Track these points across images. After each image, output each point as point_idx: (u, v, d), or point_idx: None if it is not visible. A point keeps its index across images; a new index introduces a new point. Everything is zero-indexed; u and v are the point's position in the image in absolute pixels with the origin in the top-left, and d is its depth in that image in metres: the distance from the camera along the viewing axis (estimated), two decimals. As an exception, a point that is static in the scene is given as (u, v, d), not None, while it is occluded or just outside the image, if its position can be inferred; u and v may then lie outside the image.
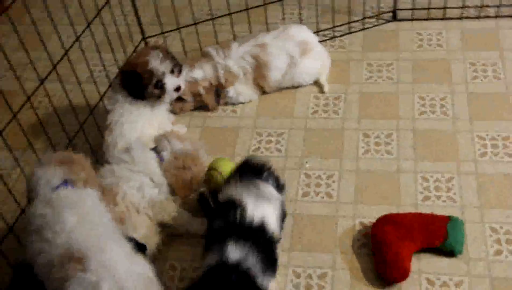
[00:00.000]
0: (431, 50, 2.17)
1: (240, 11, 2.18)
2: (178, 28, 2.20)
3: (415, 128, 1.90)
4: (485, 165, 1.76)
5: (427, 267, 1.54)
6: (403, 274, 1.50)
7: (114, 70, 2.08)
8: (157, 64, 1.82)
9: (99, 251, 1.26)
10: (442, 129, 1.88)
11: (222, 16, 2.22)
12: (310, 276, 1.57)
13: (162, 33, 2.23)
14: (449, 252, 1.55)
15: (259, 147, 1.94)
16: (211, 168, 1.75)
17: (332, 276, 1.56)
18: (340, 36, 2.29)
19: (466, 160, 1.78)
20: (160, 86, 1.84)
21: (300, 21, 2.23)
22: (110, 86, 2.00)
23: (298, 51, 2.02)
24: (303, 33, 2.07)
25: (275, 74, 2.03)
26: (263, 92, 2.09)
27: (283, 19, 2.38)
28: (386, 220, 1.60)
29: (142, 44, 2.28)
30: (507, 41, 2.15)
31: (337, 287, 1.54)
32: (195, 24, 2.18)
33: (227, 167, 1.74)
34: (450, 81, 2.03)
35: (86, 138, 1.93)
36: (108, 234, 1.35)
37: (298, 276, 1.58)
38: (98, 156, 1.89)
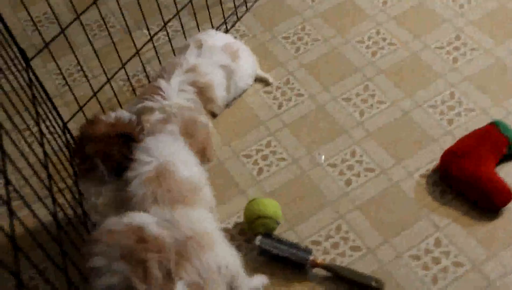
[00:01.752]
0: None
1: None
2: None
3: (380, 69, 1.84)
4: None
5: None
6: (509, 192, 1.46)
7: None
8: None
9: None
10: (404, 58, 1.86)
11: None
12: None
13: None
14: (515, 153, 1.57)
15: (261, 169, 1.66)
16: (260, 217, 1.46)
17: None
18: (232, 26, 2.06)
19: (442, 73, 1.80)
20: None
21: (182, 28, 1.94)
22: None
23: (228, 58, 1.75)
24: (218, 37, 1.80)
25: (220, 91, 1.74)
26: (213, 116, 1.78)
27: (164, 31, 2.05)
28: (453, 158, 1.53)
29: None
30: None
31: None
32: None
33: (272, 207, 1.47)
34: (367, 16, 2.01)
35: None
36: None
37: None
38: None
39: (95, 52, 1.63)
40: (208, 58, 1.72)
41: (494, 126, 1.57)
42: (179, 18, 1.87)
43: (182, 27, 1.92)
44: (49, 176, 1.18)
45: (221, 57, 1.74)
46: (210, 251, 1.26)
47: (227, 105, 1.82)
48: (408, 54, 1.86)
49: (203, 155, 1.57)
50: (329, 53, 1.92)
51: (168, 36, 1.84)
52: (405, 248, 1.46)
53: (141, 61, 1.79)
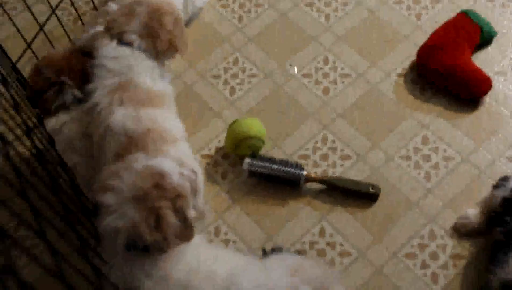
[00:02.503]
0: None
1: None
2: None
3: (335, 33, 1.75)
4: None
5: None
6: (488, 80, 1.46)
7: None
8: None
9: None
10: (360, 19, 1.77)
11: None
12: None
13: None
14: (488, 40, 1.55)
15: (233, 88, 1.57)
16: (245, 138, 1.38)
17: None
18: None
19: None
20: None
21: None
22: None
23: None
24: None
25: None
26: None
27: None
28: (429, 51, 1.50)
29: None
30: None
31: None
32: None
33: (255, 126, 1.40)
34: None
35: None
36: None
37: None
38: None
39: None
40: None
41: (465, 15, 1.55)
42: None
43: None
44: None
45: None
46: (172, 145, 1.17)
47: (186, 25, 1.67)
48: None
49: (171, 48, 1.37)
50: (276, 20, 1.79)
51: (107, -47, 1.65)
52: (394, 150, 1.44)
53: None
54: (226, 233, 1.36)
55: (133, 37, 1.30)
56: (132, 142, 1.15)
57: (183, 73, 1.60)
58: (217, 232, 1.36)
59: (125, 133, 1.16)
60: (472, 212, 1.30)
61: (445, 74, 1.47)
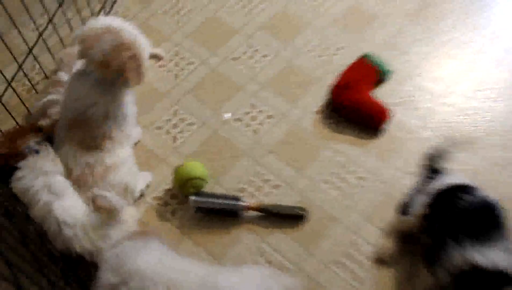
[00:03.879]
0: None
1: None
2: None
3: (258, 25, 2.02)
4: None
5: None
6: (386, 111, 1.75)
7: None
8: None
9: None
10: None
11: None
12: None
13: None
14: (385, 77, 1.85)
15: (175, 137, 1.80)
16: (189, 179, 1.60)
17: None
18: (111, 9, 2.12)
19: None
20: None
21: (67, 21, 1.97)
22: None
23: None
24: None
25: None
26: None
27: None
28: (339, 90, 1.78)
29: None
30: None
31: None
32: None
33: (198, 168, 1.63)
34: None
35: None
36: None
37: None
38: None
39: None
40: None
41: (366, 59, 1.85)
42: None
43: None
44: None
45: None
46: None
47: (127, 86, 1.91)
48: (279, 7, 2.07)
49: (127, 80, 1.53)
50: (209, 18, 2.07)
51: (55, 27, 1.87)
52: (317, 175, 1.69)
53: (35, 57, 1.81)
54: (180, 263, 1.56)
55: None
56: None
57: (129, 128, 1.82)
58: (172, 262, 1.56)
59: None
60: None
61: (353, 108, 1.75)
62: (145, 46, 1.54)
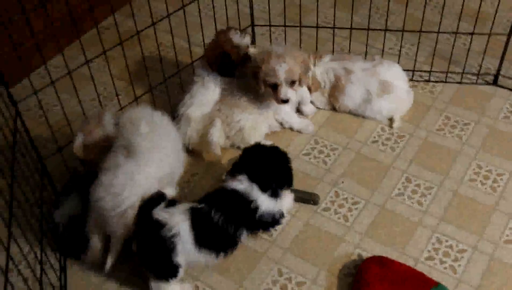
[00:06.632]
0: (515, 125, 2.12)
1: (361, 29, 2.29)
2: (288, 26, 2.33)
3: (457, 191, 1.91)
4: (504, 253, 1.74)
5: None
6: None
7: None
8: (239, 39, 2.04)
9: None
10: (482, 202, 1.88)
11: (341, 28, 2.34)
12: (289, 279, 1.71)
13: (271, 25, 2.39)
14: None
15: (309, 153, 2.07)
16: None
17: (308, 288, 1.69)
18: (435, 81, 2.30)
19: (489, 240, 1.77)
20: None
21: (399, 56, 2.28)
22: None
23: (376, 90, 2.10)
24: (390, 73, 2.12)
25: (347, 101, 2.14)
26: (335, 109, 2.20)
27: (382, 50, 2.35)
28: (377, 260, 1.68)
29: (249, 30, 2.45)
30: None
31: (307, 300, 1.65)
32: (316, 27, 2.29)
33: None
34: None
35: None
36: None
37: (280, 274, 1.73)
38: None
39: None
40: (365, 77, 2.11)
41: (434, 284, 1.60)
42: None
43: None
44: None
45: (372, 85, 2.10)
46: None
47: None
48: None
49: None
50: (453, 151, 2.03)
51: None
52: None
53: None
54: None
55: None
56: None
57: None
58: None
59: None
60: None
61: (357, 278, 1.65)
62: None
